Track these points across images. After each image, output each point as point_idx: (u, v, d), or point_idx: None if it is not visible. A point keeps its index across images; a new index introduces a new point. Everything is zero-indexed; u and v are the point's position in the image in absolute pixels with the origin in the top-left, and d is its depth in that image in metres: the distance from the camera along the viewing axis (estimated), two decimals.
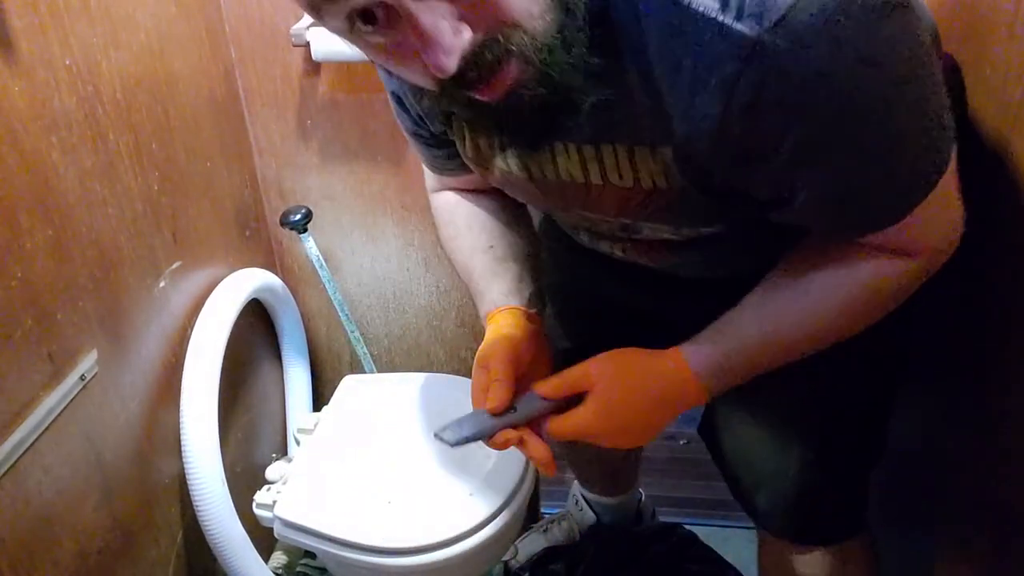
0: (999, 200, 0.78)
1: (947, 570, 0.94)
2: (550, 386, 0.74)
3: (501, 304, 0.87)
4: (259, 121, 1.30)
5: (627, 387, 0.73)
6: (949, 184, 0.63)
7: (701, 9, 0.51)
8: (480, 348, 0.84)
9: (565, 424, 0.73)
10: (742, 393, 0.92)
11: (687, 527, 1.42)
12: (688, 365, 0.72)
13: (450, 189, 0.94)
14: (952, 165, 0.63)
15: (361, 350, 1.43)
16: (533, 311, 0.87)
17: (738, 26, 0.50)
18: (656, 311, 0.95)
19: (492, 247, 0.91)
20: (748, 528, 1.41)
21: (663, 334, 0.79)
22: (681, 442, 1.92)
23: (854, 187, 0.60)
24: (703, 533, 1.40)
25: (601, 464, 1.35)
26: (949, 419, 0.92)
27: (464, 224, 0.93)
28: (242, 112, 1.29)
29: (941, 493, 0.95)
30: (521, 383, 0.77)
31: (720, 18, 0.50)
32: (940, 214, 0.65)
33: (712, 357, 0.72)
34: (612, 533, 1.38)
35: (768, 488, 0.95)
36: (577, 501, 1.42)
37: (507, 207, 0.93)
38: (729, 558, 1.34)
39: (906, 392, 0.91)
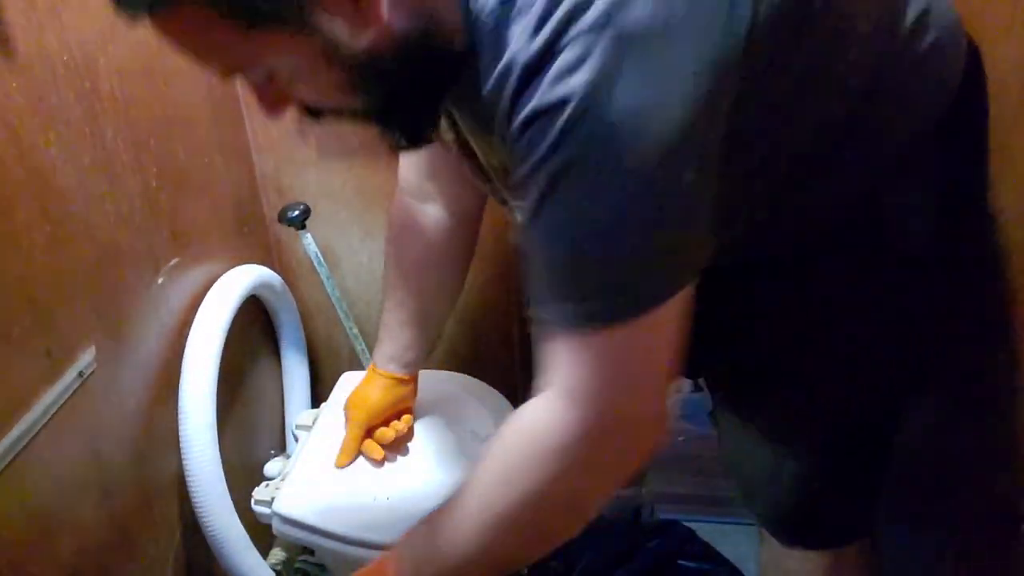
0: (999, 199, 0.78)
1: (949, 570, 0.94)
2: None
3: (380, 367, 1.07)
4: (257, 117, 1.30)
5: None
6: (638, 357, 0.60)
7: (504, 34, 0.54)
8: (351, 394, 1.09)
9: None
10: (739, 399, 0.92)
11: (685, 523, 1.42)
12: None
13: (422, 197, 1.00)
14: (643, 345, 0.59)
15: (360, 346, 1.43)
16: (407, 375, 1.07)
17: (520, 46, 0.53)
18: None
19: (402, 304, 1.04)
20: (746, 524, 1.42)
21: None
22: (680, 439, 1.92)
23: (544, 245, 0.58)
24: (701, 529, 1.40)
25: None
26: (953, 418, 0.92)
27: (395, 259, 1.05)
28: (240, 108, 1.29)
29: (943, 492, 0.95)
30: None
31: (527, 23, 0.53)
32: (618, 372, 0.60)
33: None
34: (611, 529, 1.38)
35: (763, 494, 0.95)
36: None
37: (450, 250, 1.02)
38: (727, 554, 1.34)
39: (910, 391, 0.91)
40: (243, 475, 1.27)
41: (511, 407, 1.23)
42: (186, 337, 1.10)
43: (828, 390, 0.83)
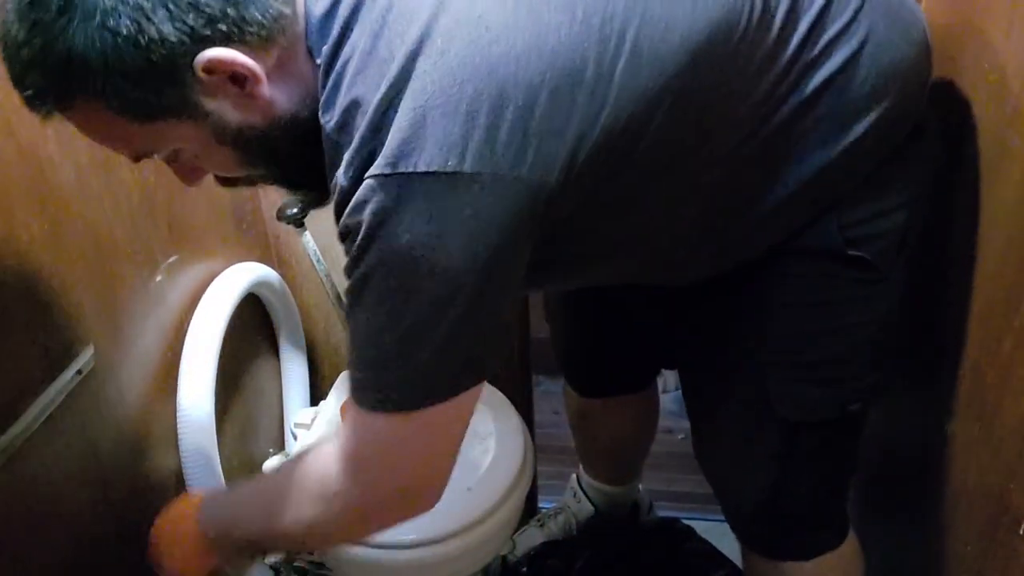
0: (997, 197, 0.78)
1: (933, 563, 0.94)
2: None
3: None
4: None
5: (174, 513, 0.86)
6: (410, 446, 0.67)
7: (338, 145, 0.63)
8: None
9: None
10: (707, 408, 0.94)
11: (684, 521, 1.42)
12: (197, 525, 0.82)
13: None
14: (417, 436, 0.66)
15: None
16: None
17: (348, 169, 0.61)
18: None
19: None
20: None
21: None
22: (679, 436, 1.93)
23: (351, 331, 0.66)
24: (700, 527, 1.40)
25: (615, 452, 1.36)
26: (936, 412, 0.92)
27: None
28: None
29: (927, 486, 0.95)
30: None
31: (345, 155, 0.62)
32: (390, 453, 0.68)
33: (221, 527, 0.81)
34: (609, 527, 1.39)
35: (728, 503, 0.96)
36: (575, 494, 1.42)
37: None
38: (726, 552, 1.34)
39: (891, 386, 0.91)
40: (242, 473, 1.27)
41: (511, 405, 1.23)
42: (185, 335, 1.10)
43: (785, 386, 0.84)
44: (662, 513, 1.47)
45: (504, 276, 0.62)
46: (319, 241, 1.35)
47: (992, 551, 0.80)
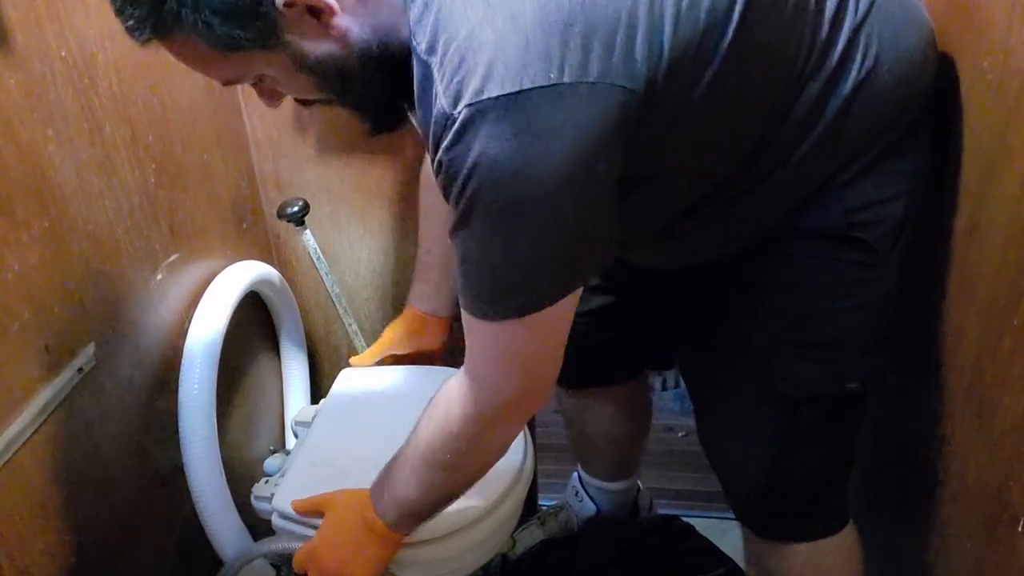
0: (996, 196, 0.78)
1: (933, 561, 0.95)
2: (303, 506, 1.00)
3: (410, 304, 1.23)
4: (256, 113, 1.30)
5: (337, 523, 0.95)
6: (527, 348, 0.73)
7: (434, 76, 0.63)
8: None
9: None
10: (708, 388, 0.95)
11: (685, 519, 1.42)
12: (378, 520, 0.91)
13: None
14: (531, 339, 0.72)
15: (359, 343, 1.43)
16: (434, 316, 1.22)
17: (441, 100, 0.62)
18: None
19: (430, 251, 1.20)
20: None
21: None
22: (680, 434, 1.93)
23: (460, 255, 0.69)
24: (701, 525, 1.40)
25: (608, 448, 1.36)
26: (936, 409, 0.92)
27: (424, 212, 1.20)
28: (239, 104, 1.29)
29: (926, 484, 0.96)
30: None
31: (437, 87, 0.62)
32: (496, 362, 0.75)
33: (394, 509, 0.90)
34: (610, 525, 1.39)
35: (730, 484, 0.97)
36: (577, 492, 1.42)
37: None
38: (726, 550, 1.34)
39: (893, 377, 0.91)
40: (242, 471, 1.27)
41: None
42: (185, 333, 1.10)
43: (785, 363, 0.86)
44: (662, 511, 1.47)
45: (603, 187, 0.65)
46: (319, 240, 1.36)
47: (991, 548, 0.80)
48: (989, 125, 0.79)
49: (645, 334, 1.17)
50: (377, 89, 0.71)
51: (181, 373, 1.07)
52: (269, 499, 1.08)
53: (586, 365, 1.21)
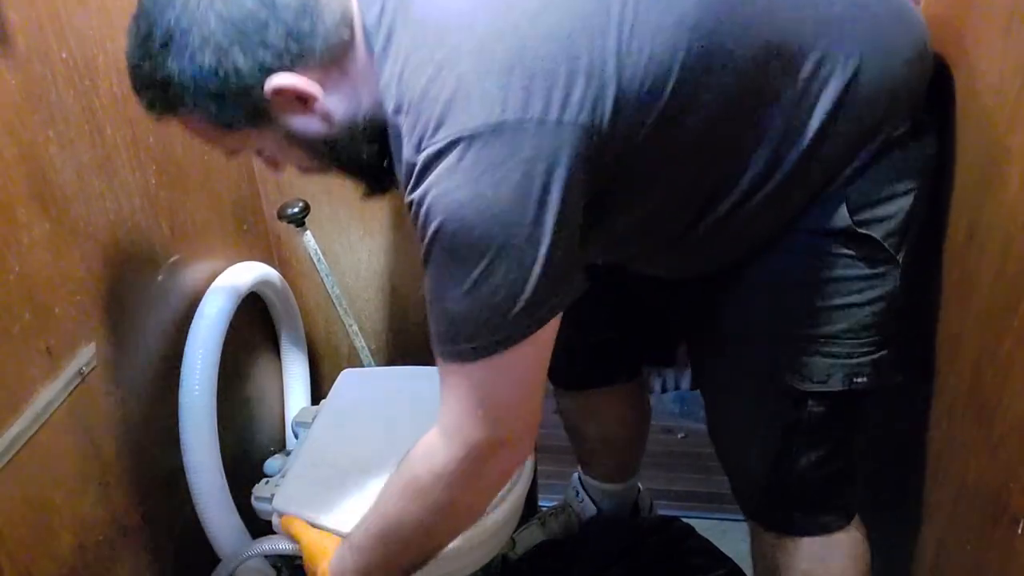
0: (996, 198, 0.78)
1: (932, 562, 0.95)
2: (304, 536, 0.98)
3: None
4: None
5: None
6: (496, 391, 0.73)
7: (402, 133, 0.70)
8: None
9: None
10: (717, 381, 0.96)
11: (685, 520, 1.42)
12: None
13: None
14: (499, 381, 0.72)
15: (359, 343, 1.43)
16: None
17: (405, 151, 0.69)
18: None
19: None
20: (745, 521, 1.42)
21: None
22: (679, 435, 1.93)
23: (427, 297, 0.72)
24: (701, 526, 1.40)
25: (607, 450, 1.36)
26: (936, 411, 0.92)
27: None
28: None
29: (927, 485, 0.96)
30: None
31: (404, 142, 0.69)
32: (479, 404, 0.74)
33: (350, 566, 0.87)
34: (610, 525, 1.39)
35: (738, 478, 0.97)
36: (577, 492, 1.42)
37: None
38: (727, 551, 1.34)
39: (898, 371, 0.91)
40: (243, 471, 1.27)
41: None
42: (186, 334, 1.10)
43: (793, 356, 0.86)
44: (662, 512, 1.47)
45: (557, 220, 0.66)
46: (319, 241, 1.36)
47: (991, 550, 0.80)
48: (988, 128, 0.79)
49: (645, 334, 1.17)
50: (366, 157, 0.77)
51: (181, 374, 1.08)
52: (269, 500, 1.08)
53: (585, 365, 1.22)
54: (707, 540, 1.37)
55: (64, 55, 0.86)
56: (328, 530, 1.03)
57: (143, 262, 1.02)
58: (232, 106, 0.72)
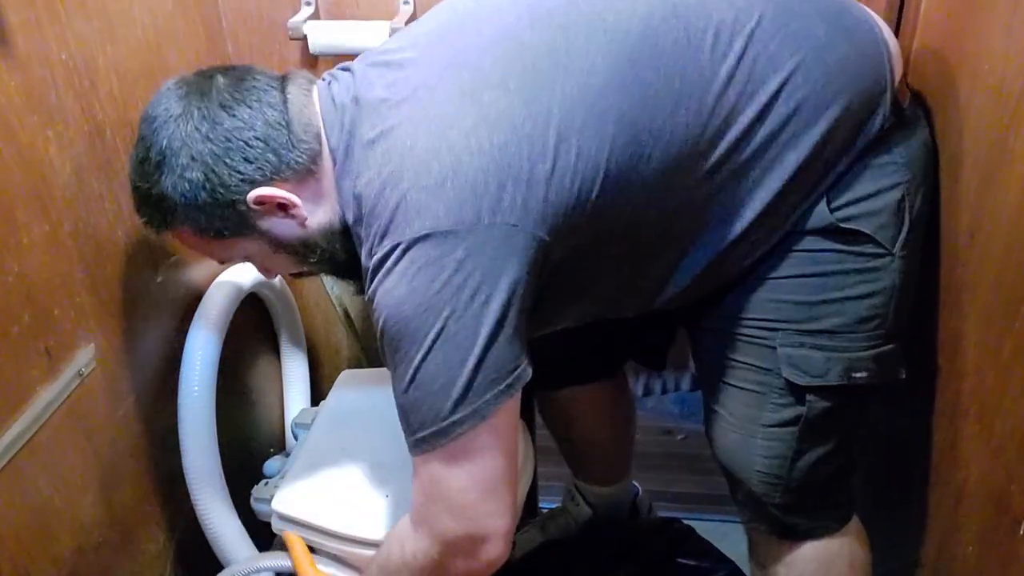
0: (997, 199, 0.78)
1: (933, 564, 0.95)
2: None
3: None
4: None
5: None
6: (439, 487, 0.76)
7: (362, 240, 0.78)
8: None
9: None
10: (716, 378, 0.96)
11: (684, 522, 1.42)
12: None
13: None
14: (459, 470, 0.75)
15: (359, 344, 1.43)
16: None
17: (363, 256, 0.78)
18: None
19: None
20: (744, 526, 1.42)
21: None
22: (679, 437, 1.93)
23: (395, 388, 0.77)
24: (700, 528, 1.40)
25: (595, 452, 1.36)
26: (937, 414, 0.92)
27: None
28: None
29: (928, 487, 0.96)
30: None
31: (363, 248, 0.78)
32: (439, 498, 0.77)
33: None
34: (609, 528, 1.38)
35: (737, 479, 0.97)
36: (573, 496, 1.42)
37: None
38: (727, 552, 1.34)
39: (901, 367, 0.91)
40: (242, 473, 1.27)
41: None
42: (185, 335, 1.10)
43: (792, 351, 0.87)
44: (662, 513, 1.47)
45: (501, 308, 0.71)
46: None
47: (992, 552, 0.80)
48: (990, 129, 0.79)
49: (628, 331, 1.16)
50: (346, 257, 0.84)
51: (181, 375, 1.07)
52: (269, 501, 1.08)
53: (561, 362, 1.20)
54: (707, 542, 1.37)
55: (64, 56, 0.86)
56: (328, 532, 1.03)
57: (143, 262, 1.02)
58: (220, 217, 0.80)
